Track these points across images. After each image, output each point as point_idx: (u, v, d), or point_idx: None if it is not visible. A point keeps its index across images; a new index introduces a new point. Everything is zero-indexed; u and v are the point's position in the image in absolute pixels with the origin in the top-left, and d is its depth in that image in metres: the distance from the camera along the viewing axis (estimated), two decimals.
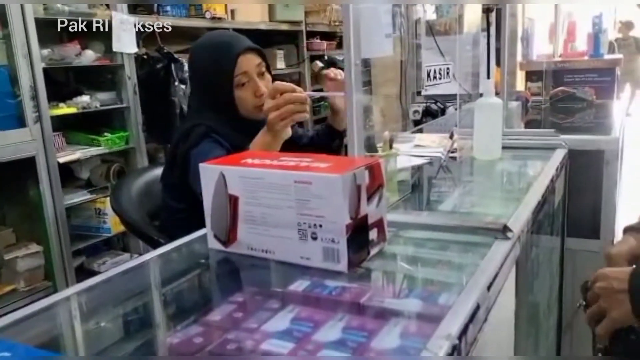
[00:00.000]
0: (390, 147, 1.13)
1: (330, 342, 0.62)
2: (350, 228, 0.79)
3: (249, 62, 1.46)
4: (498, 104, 1.46)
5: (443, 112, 2.82)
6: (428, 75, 1.33)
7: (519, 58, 2.66)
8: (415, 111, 2.75)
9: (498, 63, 2.82)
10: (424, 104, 2.75)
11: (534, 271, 1.16)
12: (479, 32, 2.44)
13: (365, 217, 0.82)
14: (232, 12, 3.68)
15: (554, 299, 1.55)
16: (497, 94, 2.67)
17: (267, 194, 0.85)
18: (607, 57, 2.81)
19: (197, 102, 1.53)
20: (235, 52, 1.44)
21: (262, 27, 3.94)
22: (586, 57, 2.79)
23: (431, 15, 2.66)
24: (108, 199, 2.69)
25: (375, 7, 1.06)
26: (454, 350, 0.57)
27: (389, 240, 0.89)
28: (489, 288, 0.72)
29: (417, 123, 2.80)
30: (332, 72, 1.48)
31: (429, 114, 2.82)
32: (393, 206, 1.10)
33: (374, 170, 0.84)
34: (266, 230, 0.86)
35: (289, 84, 1.25)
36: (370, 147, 1.06)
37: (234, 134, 1.43)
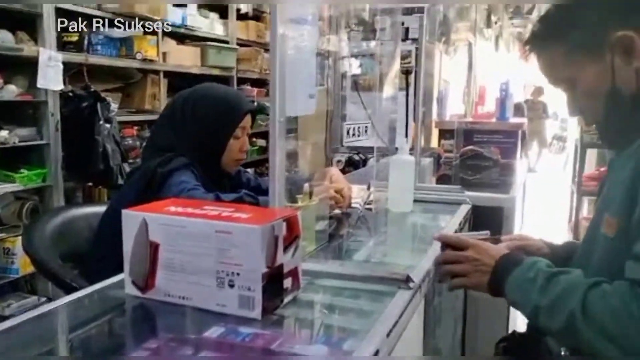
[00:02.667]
0: (310, 197, 1.20)
1: None
2: (266, 277, 0.84)
3: (248, 120, 1.64)
4: (410, 161, 1.59)
5: (365, 162, 2.96)
6: (348, 132, 1.43)
7: (434, 117, 2.88)
8: (339, 161, 2.87)
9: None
10: (347, 155, 2.88)
11: (437, 318, 1.25)
12: (397, 90, 2.62)
13: (281, 266, 0.88)
14: (164, 54, 3.71)
15: (457, 343, 1.65)
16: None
17: (188, 242, 0.88)
18: (512, 120, 3.08)
19: (178, 141, 1.57)
20: (246, 108, 1.63)
21: (194, 71, 3.99)
22: (494, 120, 3.05)
23: (356, 69, 2.82)
24: (19, 238, 2.57)
25: (301, 69, 1.15)
26: None
27: (304, 288, 0.95)
28: (388, 335, 0.79)
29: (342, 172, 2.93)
30: None
31: (352, 164, 2.96)
32: (310, 255, 1.17)
33: (291, 221, 0.91)
34: (185, 277, 0.89)
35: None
36: (291, 197, 1.12)
37: (206, 178, 1.54)
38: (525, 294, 0.92)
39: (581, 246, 1.04)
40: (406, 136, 2.71)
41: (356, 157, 2.85)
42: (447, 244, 1.10)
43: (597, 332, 0.82)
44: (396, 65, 2.59)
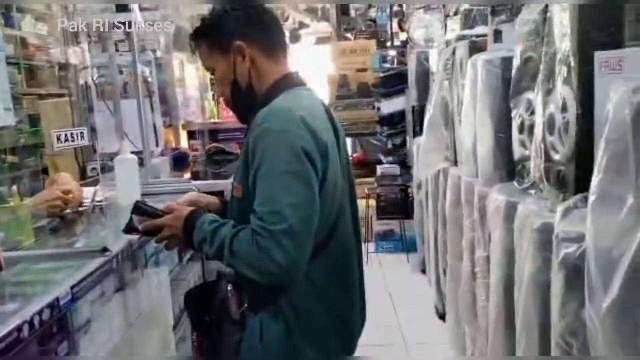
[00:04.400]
0: (21, 199, 1.39)
1: None
2: None
3: None
4: (132, 159, 1.85)
5: None
6: (58, 138, 1.61)
7: (182, 120, 3.17)
8: (93, 168, 2.98)
9: (169, 125, 3.30)
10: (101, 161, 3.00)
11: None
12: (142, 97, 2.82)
13: None
14: None
15: None
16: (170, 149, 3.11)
17: None
18: None
19: None
20: None
21: None
22: (234, 119, 3.45)
23: (100, 79, 2.94)
24: None
25: None
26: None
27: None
28: (72, 287, 1.05)
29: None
30: None
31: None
32: (26, 247, 1.36)
33: None
34: None
35: None
36: (1, 198, 1.30)
37: None
38: (203, 244, 1.25)
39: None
40: (156, 139, 2.94)
41: (111, 163, 2.99)
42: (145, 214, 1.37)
43: (240, 262, 1.19)
44: (139, 74, 2.81)
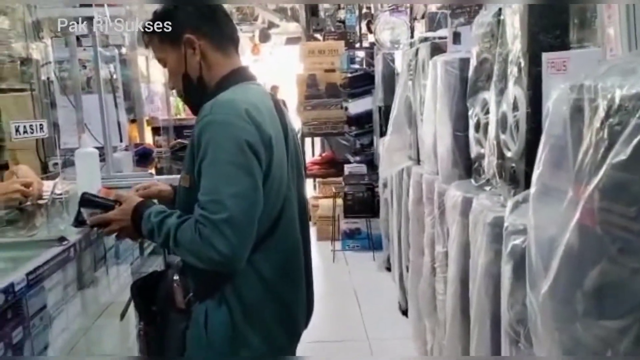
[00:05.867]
0: None
1: None
2: None
3: None
4: (92, 152, 1.84)
5: None
6: (17, 130, 1.60)
7: (146, 115, 3.15)
8: (55, 164, 2.94)
9: (133, 121, 3.27)
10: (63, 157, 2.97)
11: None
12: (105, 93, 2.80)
13: None
14: None
15: None
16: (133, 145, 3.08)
17: None
18: None
19: None
20: None
21: None
22: None
23: (62, 74, 2.91)
24: None
25: None
26: None
27: None
28: (28, 274, 1.06)
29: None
30: None
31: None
32: None
33: None
34: None
35: None
36: None
37: None
38: (151, 235, 1.28)
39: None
40: (120, 135, 2.92)
41: (73, 159, 2.95)
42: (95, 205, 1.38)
43: (184, 251, 1.23)
44: (102, 70, 2.79)
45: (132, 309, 1.48)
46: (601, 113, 0.81)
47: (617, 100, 0.77)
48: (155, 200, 1.49)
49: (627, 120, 0.74)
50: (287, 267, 1.36)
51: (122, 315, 1.50)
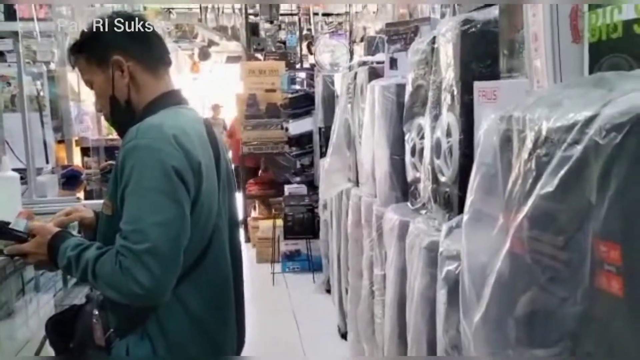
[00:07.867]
0: None
1: None
2: None
3: None
4: (13, 177, 1.73)
5: None
6: None
7: (75, 135, 3.01)
8: None
9: (60, 141, 3.11)
10: None
11: None
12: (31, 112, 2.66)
13: None
14: None
15: None
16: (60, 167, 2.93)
17: None
18: None
19: None
20: None
21: None
22: None
23: None
24: None
25: None
26: None
27: None
28: None
29: None
30: None
31: None
32: None
33: None
34: None
35: None
36: None
37: None
38: (69, 270, 1.21)
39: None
40: (46, 155, 2.77)
41: None
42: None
43: (103, 285, 1.15)
44: (28, 87, 2.65)
45: (48, 346, 1.37)
46: (529, 144, 0.83)
47: (544, 132, 0.78)
48: (77, 228, 1.40)
49: (554, 152, 0.75)
50: (215, 299, 1.29)
51: (37, 354, 1.38)
